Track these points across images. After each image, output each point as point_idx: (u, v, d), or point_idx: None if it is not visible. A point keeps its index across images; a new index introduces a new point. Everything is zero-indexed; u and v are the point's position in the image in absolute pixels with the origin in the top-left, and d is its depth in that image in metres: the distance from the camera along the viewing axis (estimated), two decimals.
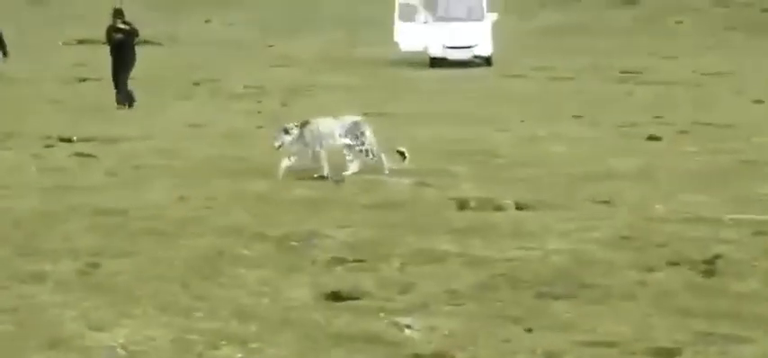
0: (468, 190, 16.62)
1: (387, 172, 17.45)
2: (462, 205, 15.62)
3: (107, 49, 27.95)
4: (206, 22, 49.25)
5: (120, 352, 9.51)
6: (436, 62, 38.69)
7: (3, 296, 11.13)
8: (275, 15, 50.51)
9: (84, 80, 33.62)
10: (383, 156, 17.63)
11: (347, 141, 17.41)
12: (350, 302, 10.95)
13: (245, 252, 12.96)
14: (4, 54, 26.15)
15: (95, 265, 12.24)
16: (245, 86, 31.35)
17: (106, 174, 17.92)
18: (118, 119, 24.67)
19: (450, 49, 39.19)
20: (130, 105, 25.75)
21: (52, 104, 27.33)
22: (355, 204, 15.61)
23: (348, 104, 27.17)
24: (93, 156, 19.44)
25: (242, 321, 10.40)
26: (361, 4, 52.39)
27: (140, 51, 41.19)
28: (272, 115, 18.61)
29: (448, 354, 9.27)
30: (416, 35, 39.60)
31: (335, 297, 11.12)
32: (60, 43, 43.92)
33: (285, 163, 16.94)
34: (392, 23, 39.95)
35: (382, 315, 10.46)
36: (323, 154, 17.15)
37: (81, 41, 43.88)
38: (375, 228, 14.09)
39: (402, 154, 17.60)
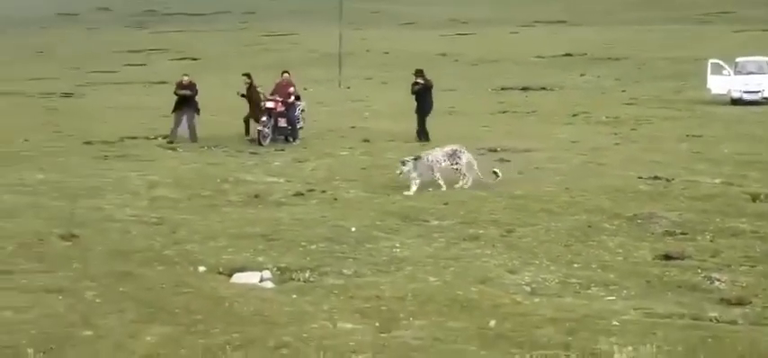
0: (759, 187, 15.71)
1: (469, 183, 16.15)
2: (754, 198, 14.79)
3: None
4: (581, 75, 48.72)
5: (526, 288, 9.59)
6: (736, 102, 36.91)
7: (452, 249, 11.44)
8: (627, 71, 49.60)
9: (505, 112, 33.74)
10: (477, 174, 16.27)
11: (448, 163, 16.32)
12: (677, 261, 10.65)
13: (607, 225, 12.86)
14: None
15: (510, 231, 12.52)
16: (606, 117, 30.68)
17: (518, 173, 17.96)
18: (527, 136, 24.65)
19: (745, 93, 37.29)
20: (426, 139, 24.60)
21: (484, 128, 27.61)
22: (681, 196, 15.08)
23: (673, 130, 26.29)
24: (509, 161, 19.51)
25: (604, 271, 10.45)
26: (686, 63, 50.55)
27: (540, 95, 41.49)
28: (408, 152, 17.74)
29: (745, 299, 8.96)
30: (722, 83, 38.08)
31: (667, 257, 10.82)
32: (489, 89, 44.37)
33: (413, 187, 15.66)
34: (706, 76, 38.48)
35: (699, 271, 10.15)
36: (438, 175, 16.00)
37: (503, 88, 44.15)
38: (694, 212, 13.66)
39: (495, 173, 16.38)
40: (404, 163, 16.04)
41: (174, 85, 24.92)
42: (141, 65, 61.42)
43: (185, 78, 24.58)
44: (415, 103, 24.75)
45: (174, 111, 24.22)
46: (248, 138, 23.66)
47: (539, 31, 77.94)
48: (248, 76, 24.90)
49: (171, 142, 23.29)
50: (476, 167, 16.41)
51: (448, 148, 16.52)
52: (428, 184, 16.05)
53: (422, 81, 24.73)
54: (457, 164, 16.23)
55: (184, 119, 23.93)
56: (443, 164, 16.24)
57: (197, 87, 24.56)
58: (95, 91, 46.35)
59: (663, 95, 38.83)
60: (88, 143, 23.14)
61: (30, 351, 7.34)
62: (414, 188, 15.67)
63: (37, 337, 7.66)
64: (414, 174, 15.88)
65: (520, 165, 18.96)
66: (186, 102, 24.12)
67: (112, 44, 76.38)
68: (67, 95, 43.58)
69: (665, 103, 35.93)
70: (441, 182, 16.03)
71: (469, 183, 16.11)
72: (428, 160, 16.19)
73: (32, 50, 73.28)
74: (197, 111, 24.27)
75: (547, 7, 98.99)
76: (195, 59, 64.70)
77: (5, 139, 23.36)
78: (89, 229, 12.25)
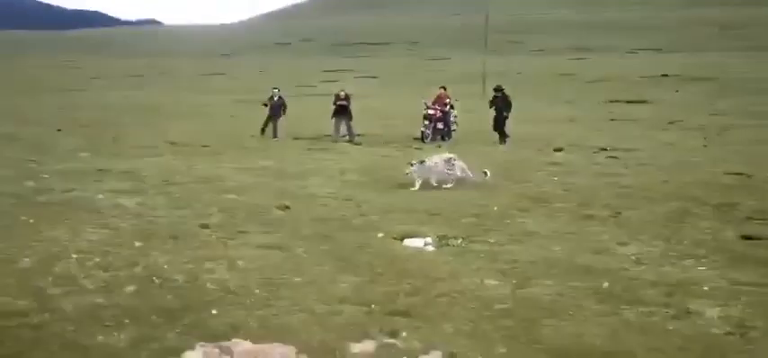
0: None
1: (467, 182, 14.89)
2: None
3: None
4: (676, 91, 46.21)
5: (632, 258, 9.29)
6: None
7: (571, 226, 11.31)
8: (714, 89, 47.08)
9: (613, 120, 32.58)
10: (469, 175, 15.03)
11: (444, 168, 14.99)
12: (757, 240, 10.13)
13: (698, 211, 12.36)
14: (284, 112, 24.91)
15: (619, 213, 12.14)
16: (697, 125, 29.15)
17: (624, 167, 17.42)
18: (632, 138, 23.80)
19: None
20: (503, 142, 23.26)
21: (597, 132, 26.83)
22: (761, 188, 14.27)
23: (755, 135, 24.90)
24: (617, 158, 18.94)
25: (696, 247, 10.03)
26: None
27: (642, 107, 39.90)
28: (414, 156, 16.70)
29: None
30: None
31: (748, 237, 10.29)
32: (601, 102, 42.84)
33: (417, 185, 14.62)
34: None
35: None
36: (434, 177, 14.80)
37: (612, 101, 42.51)
38: None
39: (485, 173, 15.16)
40: (411, 164, 15.18)
41: (333, 96, 25.10)
42: (334, 81, 62.37)
43: (342, 92, 24.71)
44: (495, 114, 23.90)
45: (333, 117, 24.51)
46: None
47: (641, 57, 75.13)
48: (277, 89, 25.48)
49: (335, 141, 23.55)
50: (468, 171, 15.21)
51: (445, 156, 15.50)
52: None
53: (499, 95, 23.85)
54: (451, 169, 15.08)
55: (343, 123, 24.20)
56: (441, 168, 15.13)
57: (351, 99, 24.72)
58: (300, 100, 47.43)
59: (746, 108, 36.62)
60: (297, 138, 23.77)
61: (257, 291, 7.61)
62: (417, 185, 14.75)
63: (262, 281, 7.93)
64: (416, 175, 14.82)
65: (626, 162, 18.36)
66: (343, 110, 24.34)
67: (313, 65, 78.09)
68: None
69: (748, 115, 33.94)
70: (434, 182, 14.91)
71: (451, 185, 14.85)
72: (427, 165, 15.12)
73: (256, 70, 75.74)
74: (350, 117, 24.40)
75: (647, 38, 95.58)
76: (374, 77, 65.35)
77: (239, 135, 24.27)
78: (298, 202, 12.60)
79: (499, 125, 23.86)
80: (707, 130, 27.19)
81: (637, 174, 16.23)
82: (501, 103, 23.91)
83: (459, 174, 15.06)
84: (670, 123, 30.34)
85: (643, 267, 8.87)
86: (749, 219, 11.61)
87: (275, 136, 24.44)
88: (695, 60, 64.95)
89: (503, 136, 23.65)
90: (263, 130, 24.77)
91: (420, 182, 14.78)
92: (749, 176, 15.72)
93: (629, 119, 33.00)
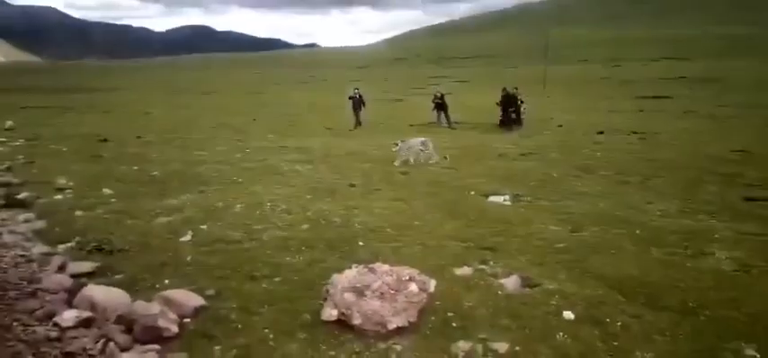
0: None
1: (433, 163, 13.13)
2: None
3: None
4: (689, 89, 42.94)
5: (657, 212, 8.74)
6: None
7: (612, 188, 10.61)
8: (721, 87, 43.38)
9: (641, 111, 30.59)
10: (436, 156, 13.40)
11: (420, 148, 13.36)
12: (756, 202, 9.32)
13: (709, 178, 11.34)
14: (363, 104, 22.60)
15: (647, 179, 11.36)
16: (708, 113, 26.94)
17: (651, 146, 16.31)
18: (656, 124, 22.18)
19: None
20: (507, 130, 21.35)
21: (628, 120, 25.21)
22: (761, 162, 12.96)
23: (753, 119, 22.78)
24: (645, 139, 17.78)
25: (708, 205, 9.29)
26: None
27: (663, 101, 37.30)
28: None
29: None
30: None
31: (749, 199, 9.50)
32: (632, 97, 40.26)
33: (397, 162, 13.06)
34: None
35: None
36: (412, 157, 13.12)
37: (638, 97, 39.91)
38: None
39: (445, 157, 13.62)
40: (396, 144, 13.77)
41: (432, 95, 24.58)
42: (435, 84, 61.71)
43: (438, 93, 24.23)
44: (501, 109, 22.36)
45: (433, 110, 24.00)
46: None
47: (662, 63, 70.23)
48: (357, 88, 23.63)
49: (438, 127, 23.08)
50: (435, 153, 13.71)
51: (421, 139, 13.99)
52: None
53: (515, 93, 22.32)
54: (425, 150, 13.59)
55: (441, 114, 23.73)
56: (418, 148, 13.59)
57: (444, 97, 24.22)
58: (411, 97, 47.24)
59: (745, 102, 33.45)
60: (412, 125, 23.68)
61: (389, 230, 7.67)
62: (397, 162, 13.12)
63: (392, 223, 7.98)
64: (401, 152, 13.34)
65: (652, 143, 17.25)
66: (440, 106, 23.84)
67: (422, 74, 77.49)
68: (398, 100, 44.70)
69: (747, 106, 31.05)
70: (412, 160, 13.39)
71: (432, 161, 13.37)
72: (408, 144, 13.70)
73: (382, 78, 75.97)
74: (446, 109, 23.89)
75: (667, 48, 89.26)
76: (465, 81, 64.24)
77: (371, 123, 24.36)
78: (414, 169, 12.58)
79: (508, 118, 22.45)
80: (716, 119, 25.16)
81: (660, 151, 15.26)
82: (505, 102, 22.58)
83: (427, 154, 13.51)
84: (685, 113, 28.31)
85: (667, 220, 8.37)
86: (750, 185, 10.71)
87: (359, 124, 22.78)
88: (704, 65, 60.13)
89: (510, 125, 21.81)
90: (355, 126, 23.26)
91: (401, 159, 13.29)
92: (749, 153, 14.46)
93: (654, 110, 31.00)
